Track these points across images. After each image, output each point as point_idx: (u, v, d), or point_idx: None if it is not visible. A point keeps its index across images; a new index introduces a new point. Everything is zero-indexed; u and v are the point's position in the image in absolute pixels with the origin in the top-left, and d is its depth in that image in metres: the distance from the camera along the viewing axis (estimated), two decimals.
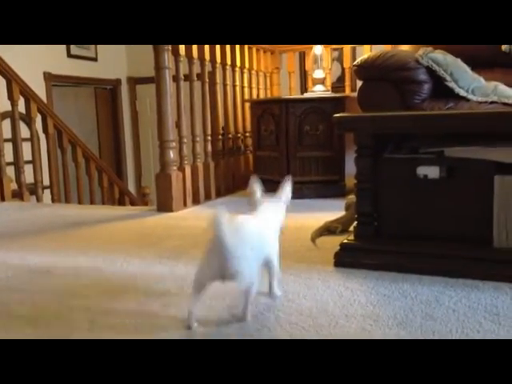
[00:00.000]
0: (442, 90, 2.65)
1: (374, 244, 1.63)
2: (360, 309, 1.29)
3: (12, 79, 3.33)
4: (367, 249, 1.63)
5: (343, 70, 4.09)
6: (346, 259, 1.63)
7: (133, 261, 1.77)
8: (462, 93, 2.60)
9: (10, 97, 3.40)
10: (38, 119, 3.63)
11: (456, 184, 1.55)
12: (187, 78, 2.87)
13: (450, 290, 1.40)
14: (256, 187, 1.36)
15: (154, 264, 1.73)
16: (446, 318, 1.21)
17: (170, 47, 2.65)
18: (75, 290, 1.49)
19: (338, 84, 4.93)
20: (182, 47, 2.81)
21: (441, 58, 2.66)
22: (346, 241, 1.67)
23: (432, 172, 1.56)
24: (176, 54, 2.75)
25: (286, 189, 1.41)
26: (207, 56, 3.08)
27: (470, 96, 2.59)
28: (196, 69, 2.96)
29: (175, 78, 2.75)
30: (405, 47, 3.07)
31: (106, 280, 1.58)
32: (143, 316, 1.28)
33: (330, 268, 1.63)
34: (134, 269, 1.69)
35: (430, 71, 2.65)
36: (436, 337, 1.12)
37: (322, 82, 3.35)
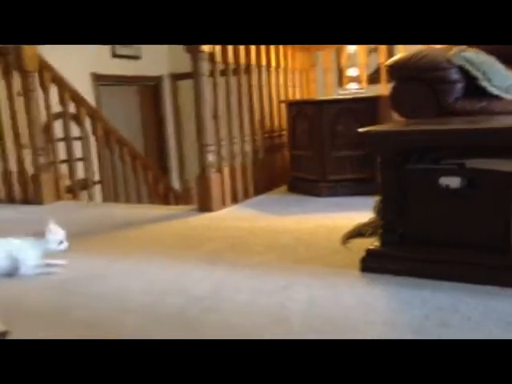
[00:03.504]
0: (475, 89, 2.68)
1: (399, 251, 1.72)
2: (379, 315, 1.40)
3: (63, 87, 3.56)
4: (392, 255, 1.73)
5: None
6: (371, 265, 1.73)
7: (175, 264, 1.94)
8: (495, 91, 2.62)
9: (62, 102, 3.64)
10: (88, 122, 3.88)
11: (477, 194, 1.62)
12: (224, 73, 3.01)
13: (468, 296, 1.48)
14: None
15: (195, 267, 1.89)
16: (461, 326, 1.31)
17: (207, 55, 2.78)
18: (125, 294, 1.67)
19: (376, 75, 4.93)
20: (218, 53, 2.93)
21: (473, 57, 2.68)
22: (371, 247, 1.77)
23: (453, 182, 1.64)
24: (212, 60, 2.88)
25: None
26: (242, 59, 3.20)
27: (504, 95, 2.61)
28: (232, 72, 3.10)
29: (212, 74, 2.87)
30: (438, 46, 3.08)
31: (151, 283, 1.75)
32: (185, 319, 1.44)
33: (356, 272, 1.74)
34: (176, 272, 1.85)
35: (463, 70, 2.68)
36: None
37: (356, 80, 3.41)
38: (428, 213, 1.70)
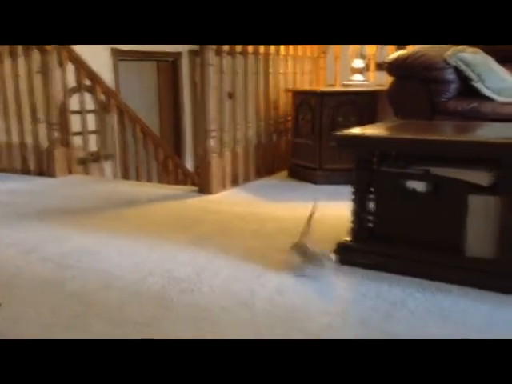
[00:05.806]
0: (469, 89, 2.76)
1: (367, 245, 1.87)
2: (335, 306, 1.56)
3: (80, 66, 3.73)
4: (360, 249, 1.87)
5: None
6: (341, 257, 1.89)
7: (165, 245, 2.12)
8: (488, 93, 2.70)
9: (78, 81, 3.82)
10: (103, 98, 4.06)
11: (439, 198, 1.75)
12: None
13: (420, 292, 1.63)
14: None
15: (182, 249, 2.07)
16: (403, 320, 1.46)
17: (214, 46, 2.90)
18: (115, 271, 1.86)
19: None
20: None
21: (469, 58, 2.75)
22: (342, 241, 1.92)
23: (419, 186, 1.77)
24: (220, 51, 3.00)
25: None
26: (250, 47, 3.31)
27: (495, 96, 2.69)
28: (239, 61, 3.22)
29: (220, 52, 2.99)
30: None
31: (140, 262, 1.93)
32: (161, 297, 1.62)
33: None
34: (165, 253, 2.03)
35: (458, 71, 2.75)
36: (385, 336, 1.38)
37: (361, 71, 3.50)
38: (395, 212, 1.84)
